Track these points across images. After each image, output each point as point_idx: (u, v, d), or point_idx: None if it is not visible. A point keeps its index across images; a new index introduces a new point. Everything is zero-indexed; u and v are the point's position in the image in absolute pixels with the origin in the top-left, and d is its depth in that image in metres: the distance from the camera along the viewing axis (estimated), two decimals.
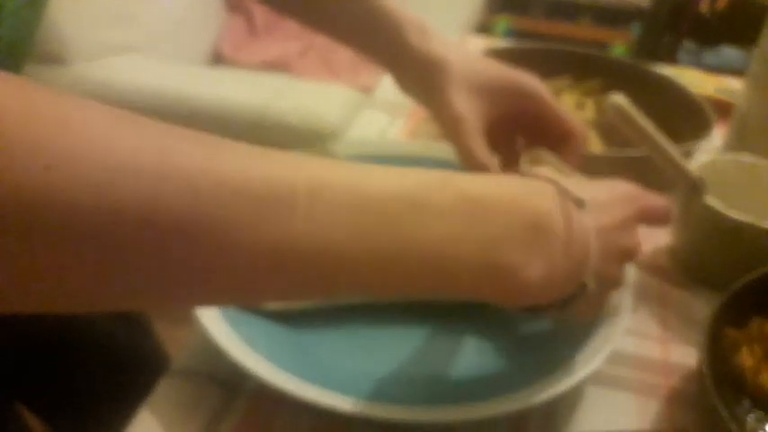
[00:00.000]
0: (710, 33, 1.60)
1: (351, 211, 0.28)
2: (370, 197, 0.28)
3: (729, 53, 1.89)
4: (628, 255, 0.36)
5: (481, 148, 0.41)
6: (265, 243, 0.25)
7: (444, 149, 0.51)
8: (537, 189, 0.32)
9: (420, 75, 0.45)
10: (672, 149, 0.50)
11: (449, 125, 0.43)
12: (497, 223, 0.30)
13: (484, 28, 2.82)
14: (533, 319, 0.46)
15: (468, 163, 0.42)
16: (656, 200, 0.38)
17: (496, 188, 0.31)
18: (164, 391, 0.42)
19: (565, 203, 0.32)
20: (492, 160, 0.42)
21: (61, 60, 1.41)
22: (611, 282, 0.36)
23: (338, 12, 0.49)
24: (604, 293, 0.38)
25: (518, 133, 0.46)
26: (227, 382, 0.42)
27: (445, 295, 0.37)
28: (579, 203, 0.33)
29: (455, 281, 0.30)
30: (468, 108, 0.42)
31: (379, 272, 0.29)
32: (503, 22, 3.15)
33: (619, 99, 0.47)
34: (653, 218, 0.38)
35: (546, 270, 0.31)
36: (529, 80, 0.44)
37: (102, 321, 0.70)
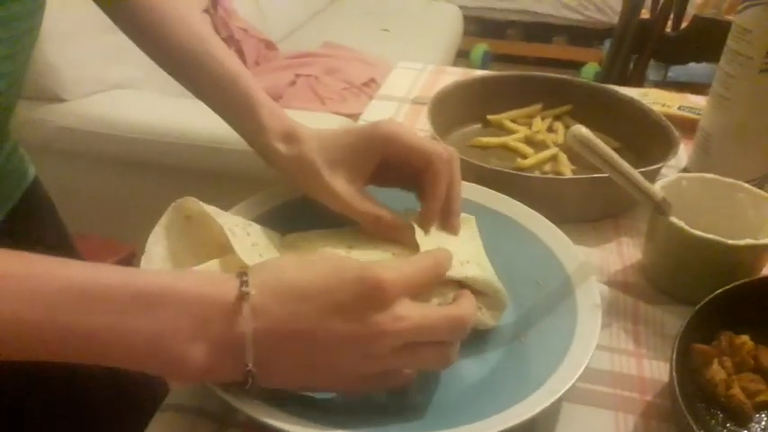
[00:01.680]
0: (676, 53, 1.64)
1: (16, 299, 0.32)
2: (43, 288, 0.33)
3: (697, 68, 1.93)
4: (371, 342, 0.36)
5: (363, 204, 0.49)
6: None
7: None
8: (216, 281, 0.36)
9: (293, 173, 0.52)
10: (634, 173, 0.52)
11: (331, 202, 0.50)
12: (165, 316, 0.34)
13: (462, 53, 2.86)
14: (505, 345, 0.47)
15: (359, 217, 0.49)
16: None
17: (173, 283, 0.35)
18: (156, 426, 0.42)
19: (233, 295, 0.35)
20: (376, 206, 0.49)
21: (58, 97, 1.41)
22: (372, 372, 0.37)
23: (215, 101, 0.55)
24: (371, 378, 0.38)
25: (397, 169, 0.51)
26: (218, 416, 0.43)
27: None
28: (243, 296, 0.35)
29: (123, 363, 0.35)
30: (341, 183, 0.49)
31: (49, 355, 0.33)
32: (480, 46, 3.20)
33: (580, 130, 0.49)
34: None
35: (209, 353, 0.35)
36: (383, 126, 0.49)
37: None
